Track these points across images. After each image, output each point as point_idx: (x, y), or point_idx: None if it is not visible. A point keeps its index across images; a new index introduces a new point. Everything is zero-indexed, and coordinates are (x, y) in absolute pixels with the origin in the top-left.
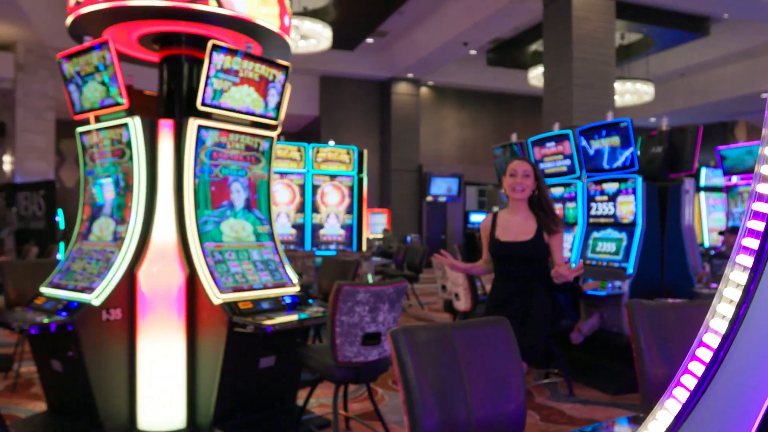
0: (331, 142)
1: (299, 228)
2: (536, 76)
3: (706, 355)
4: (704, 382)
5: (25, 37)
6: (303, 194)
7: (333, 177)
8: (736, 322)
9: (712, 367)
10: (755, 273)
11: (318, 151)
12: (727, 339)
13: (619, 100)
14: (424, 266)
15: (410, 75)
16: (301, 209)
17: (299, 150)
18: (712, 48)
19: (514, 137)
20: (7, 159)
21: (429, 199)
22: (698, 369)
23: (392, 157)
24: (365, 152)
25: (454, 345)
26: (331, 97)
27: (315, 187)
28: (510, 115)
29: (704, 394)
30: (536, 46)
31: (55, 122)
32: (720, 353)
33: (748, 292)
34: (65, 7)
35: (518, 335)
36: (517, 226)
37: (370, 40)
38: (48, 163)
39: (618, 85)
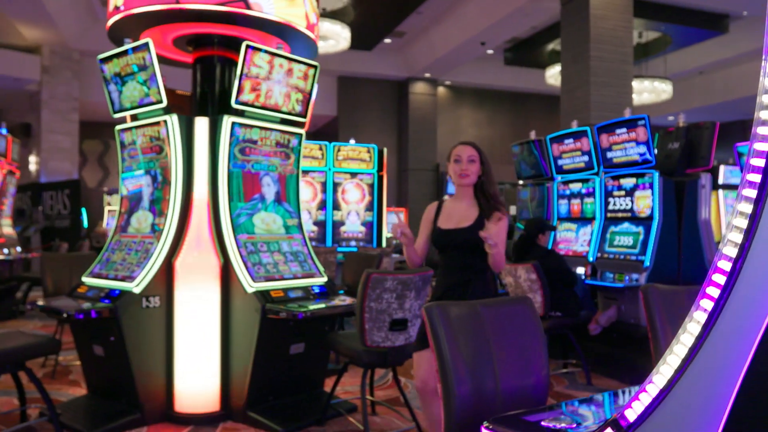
0: (352, 141)
1: (320, 225)
2: (553, 75)
3: (702, 317)
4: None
5: (51, 39)
6: (324, 191)
7: (354, 175)
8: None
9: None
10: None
11: (339, 150)
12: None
13: (637, 99)
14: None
15: (427, 75)
16: (322, 206)
17: (321, 148)
18: (731, 46)
19: (532, 134)
20: (33, 159)
21: (446, 197)
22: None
23: (409, 157)
24: (385, 150)
25: (483, 321)
26: (348, 97)
27: (336, 185)
28: (527, 114)
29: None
30: (553, 45)
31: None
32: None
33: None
34: (89, 9)
35: None
36: (459, 213)
37: (387, 41)
38: (72, 163)
39: (636, 84)
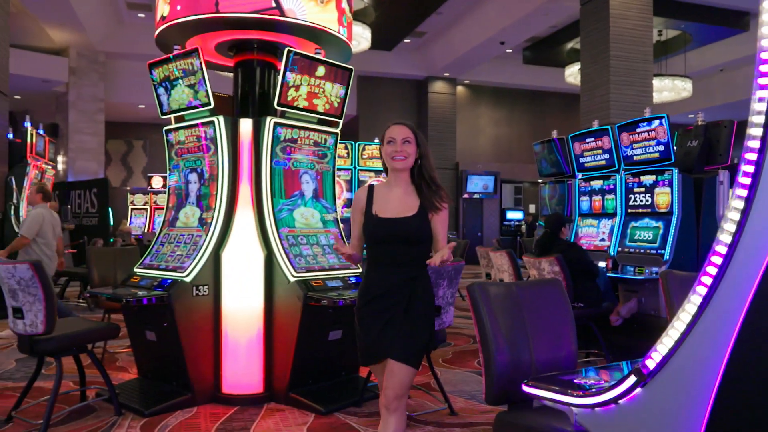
0: (377, 140)
1: (345, 222)
2: (572, 73)
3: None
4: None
5: (78, 41)
6: (350, 190)
7: (378, 173)
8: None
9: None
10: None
11: (364, 149)
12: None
13: (657, 97)
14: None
15: (447, 74)
16: (347, 204)
17: (346, 147)
18: (751, 43)
19: (554, 133)
20: (60, 159)
21: (465, 196)
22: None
23: None
24: None
25: (519, 300)
26: (368, 97)
27: (361, 183)
28: (545, 112)
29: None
30: (573, 44)
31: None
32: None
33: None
34: (116, 13)
35: (399, 335)
36: (396, 200)
37: (407, 40)
38: (98, 163)
39: (656, 82)
